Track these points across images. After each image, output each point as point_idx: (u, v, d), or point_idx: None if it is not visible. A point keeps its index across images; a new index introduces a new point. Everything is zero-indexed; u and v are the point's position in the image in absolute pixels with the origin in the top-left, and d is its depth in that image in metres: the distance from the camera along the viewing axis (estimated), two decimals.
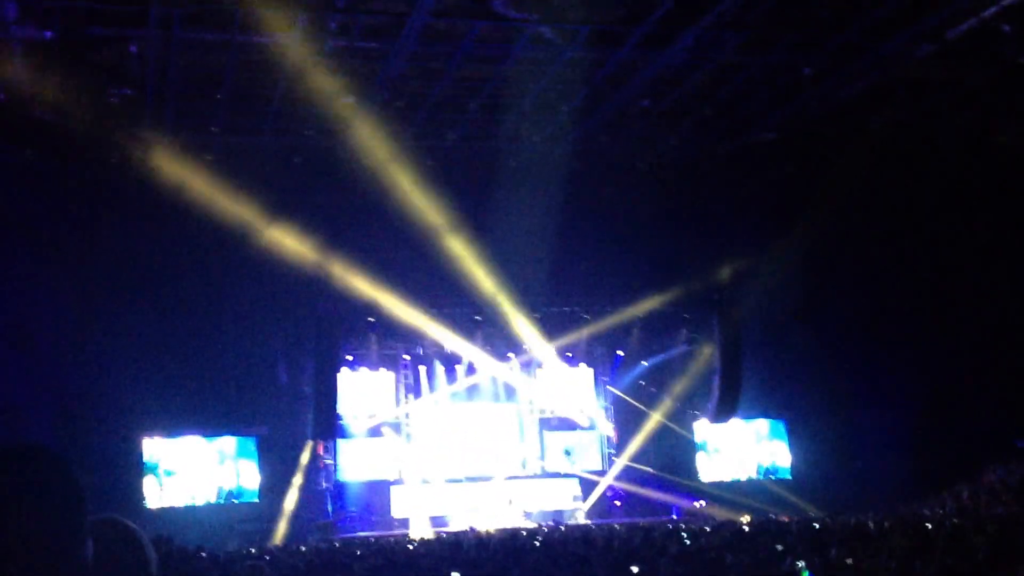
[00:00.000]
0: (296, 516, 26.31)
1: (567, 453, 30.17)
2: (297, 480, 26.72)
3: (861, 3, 18.57)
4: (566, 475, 29.67)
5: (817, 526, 17.12)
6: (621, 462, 29.59)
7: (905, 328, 27.63)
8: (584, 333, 29.20)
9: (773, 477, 30.04)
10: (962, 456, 25.57)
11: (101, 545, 2.07)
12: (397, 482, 28.45)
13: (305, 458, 26.82)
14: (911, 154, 25.21)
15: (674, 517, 27.11)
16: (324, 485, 27.67)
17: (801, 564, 10.35)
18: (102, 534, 2.11)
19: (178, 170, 24.15)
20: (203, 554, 15.59)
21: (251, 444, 26.84)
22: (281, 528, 25.50)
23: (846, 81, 21.56)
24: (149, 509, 25.43)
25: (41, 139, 22.13)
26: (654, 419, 29.58)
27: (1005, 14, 18.30)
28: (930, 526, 15.11)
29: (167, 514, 25.21)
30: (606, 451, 30.49)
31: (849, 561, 10.67)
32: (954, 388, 27.02)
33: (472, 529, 23.84)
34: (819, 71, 21.07)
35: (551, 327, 28.51)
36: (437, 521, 27.01)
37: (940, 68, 21.06)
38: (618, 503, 29.31)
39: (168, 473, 26.15)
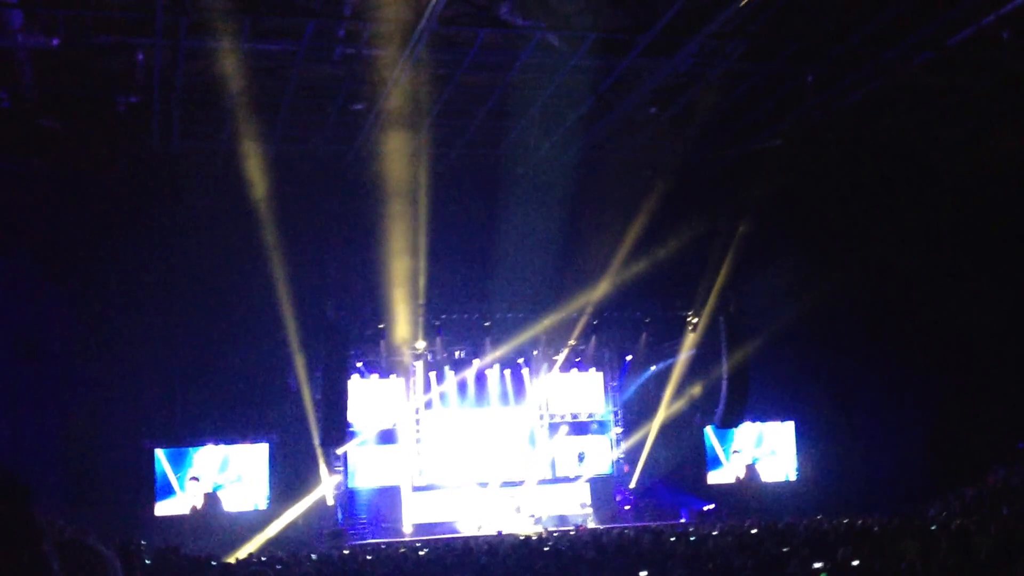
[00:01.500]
0: (306, 524, 26.34)
1: (580, 458, 30.25)
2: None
3: (862, 11, 18.67)
4: (575, 478, 29.73)
5: (824, 528, 17.19)
6: (638, 471, 29.65)
7: (909, 331, 27.70)
8: (592, 338, 29.27)
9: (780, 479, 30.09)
10: (967, 458, 25.63)
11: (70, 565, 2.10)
12: (408, 488, 28.46)
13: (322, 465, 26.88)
14: (913, 160, 25.31)
15: (683, 520, 27.13)
16: (334, 492, 27.71)
17: (819, 565, 10.43)
18: (64, 558, 2.13)
19: (185, 179, 24.27)
20: (213, 563, 15.67)
21: (261, 452, 26.87)
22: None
23: (848, 88, 21.67)
24: (158, 517, 25.47)
25: (47, 148, 22.23)
26: (663, 423, 29.61)
27: (1004, 22, 18.39)
28: (935, 527, 15.19)
29: (176, 523, 25.25)
30: (615, 455, 30.54)
31: (855, 562, 10.75)
32: (959, 391, 27.08)
33: (483, 535, 23.90)
34: (822, 79, 21.18)
35: (559, 332, 28.56)
36: (448, 527, 27.07)
37: (940, 75, 21.15)
38: (627, 507, 29.36)
39: (178, 481, 26.17)
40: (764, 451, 30.28)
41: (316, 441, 25.79)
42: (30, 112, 20.96)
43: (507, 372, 29.83)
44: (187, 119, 22.45)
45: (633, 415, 30.59)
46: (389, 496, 28.11)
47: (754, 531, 17.94)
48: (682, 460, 29.97)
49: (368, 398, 28.40)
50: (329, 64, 19.65)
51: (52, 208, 23.29)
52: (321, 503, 26.89)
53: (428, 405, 29.43)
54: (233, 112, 21.75)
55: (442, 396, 29.47)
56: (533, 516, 27.67)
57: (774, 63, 20.42)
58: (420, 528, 27.12)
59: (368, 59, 19.27)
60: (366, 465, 28.48)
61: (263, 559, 19.08)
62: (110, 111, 20.82)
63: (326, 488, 26.95)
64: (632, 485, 29.82)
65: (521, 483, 29.06)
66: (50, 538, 2.04)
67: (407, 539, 25.26)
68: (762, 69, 20.83)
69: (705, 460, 30.09)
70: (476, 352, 29.03)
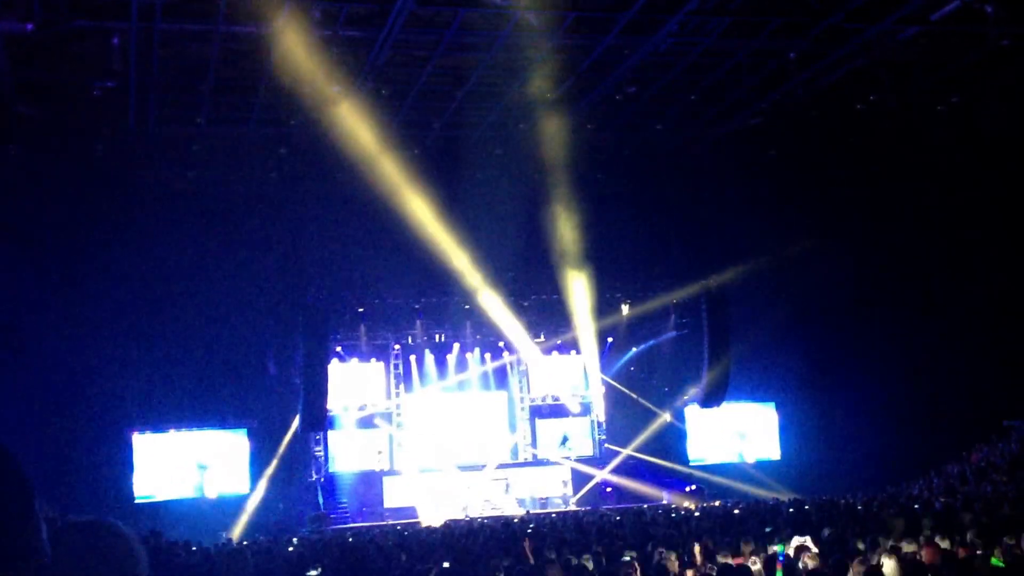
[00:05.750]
0: (288, 509, 26.30)
1: (564, 439, 30.25)
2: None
3: None
4: (555, 462, 29.66)
5: (807, 507, 17.21)
6: (621, 453, 29.62)
7: (893, 310, 27.73)
8: (573, 320, 29.19)
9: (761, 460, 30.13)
10: (950, 436, 25.71)
11: (87, 547, 2.04)
12: (389, 473, 28.39)
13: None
14: (896, 137, 25.27)
15: (664, 501, 27.13)
16: (315, 477, 27.63)
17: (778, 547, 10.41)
18: (88, 536, 2.07)
19: (162, 163, 24.09)
20: (193, 548, 15.60)
21: (241, 437, 26.77)
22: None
23: (831, 66, 21.56)
24: (138, 503, 25.35)
25: (24, 134, 22.00)
26: (644, 405, 29.62)
27: None
28: (918, 506, 15.21)
29: (156, 508, 25.14)
30: (597, 437, 30.54)
31: (838, 540, 10.72)
32: (942, 369, 27.13)
33: (463, 518, 23.88)
34: (804, 56, 21.07)
35: (540, 315, 28.50)
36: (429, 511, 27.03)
37: (924, 50, 21.08)
38: (609, 489, 29.34)
39: (157, 467, 26.06)
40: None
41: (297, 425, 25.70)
42: (7, 98, 20.72)
43: (488, 355, 29.78)
44: (164, 103, 22.24)
45: (615, 398, 30.54)
46: (370, 480, 28.03)
47: (737, 511, 17.95)
48: (663, 442, 29.95)
49: (348, 382, 28.30)
50: (306, 46, 19.43)
51: (29, 194, 23.08)
52: (302, 488, 26.84)
53: (409, 389, 29.37)
54: (210, 96, 21.56)
55: (423, 380, 29.40)
56: (517, 498, 27.66)
57: (756, 40, 20.29)
58: (401, 512, 27.02)
59: (345, 40, 19.08)
60: (347, 450, 28.40)
61: (244, 543, 19.00)
62: (86, 96, 20.61)
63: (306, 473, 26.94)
64: (614, 467, 29.81)
65: (503, 466, 29.05)
66: (34, 502, 1.95)
67: (388, 523, 25.15)
68: (744, 47, 20.69)
69: (686, 441, 30.15)
70: (456, 335, 28.96)
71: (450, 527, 18.99)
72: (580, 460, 29.87)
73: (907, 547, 9.18)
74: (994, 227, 26.38)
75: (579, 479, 29.35)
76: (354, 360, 28.61)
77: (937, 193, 26.25)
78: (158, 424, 26.15)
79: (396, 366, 29.31)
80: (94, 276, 24.42)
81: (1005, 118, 23.85)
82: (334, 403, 26.67)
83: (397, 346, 29.17)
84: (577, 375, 30.80)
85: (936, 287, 27.14)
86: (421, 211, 24.49)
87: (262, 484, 26.42)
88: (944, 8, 18.84)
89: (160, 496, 25.86)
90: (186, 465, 26.29)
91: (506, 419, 30.28)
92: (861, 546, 10.07)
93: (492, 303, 27.15)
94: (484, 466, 28.69)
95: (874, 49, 20.68)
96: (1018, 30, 19.55)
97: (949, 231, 26.61)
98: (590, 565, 9.95)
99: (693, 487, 28.18)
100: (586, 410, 30.75)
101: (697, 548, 10.66)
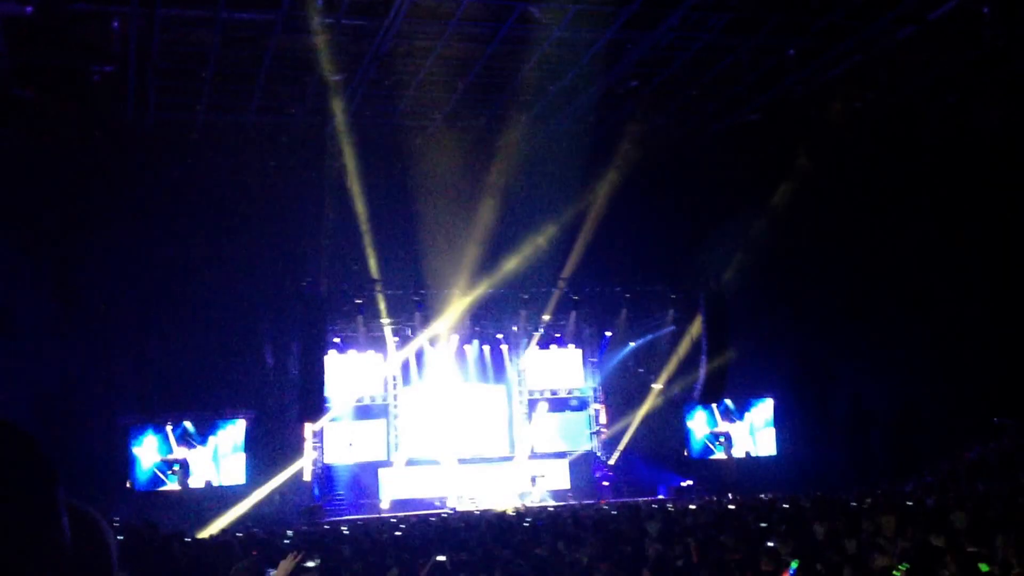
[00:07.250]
0: (283, 501, 26.23)
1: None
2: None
3: None
4: (553, 456, 29.68)
5: (801, 503, 17.21)
6: (618, 448, 29.66)
7: (886, 308, 27.77)
8: (571, 314, 29.18)
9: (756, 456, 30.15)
10: (943, 434, 25.77)
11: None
12: (385, 463, 28.33)
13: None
14: (893, 135, 25.30)
15: (661, 496, 27.15)
16: (312, 469, 27.54)
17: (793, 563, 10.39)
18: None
19: (160, 150, 24.00)
20: (187, 539, 15.54)
21: (238, 428, 26.70)
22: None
23: (829, 63, 21.60)
24: (134, 494, 25.27)
25: (21, 118, 21.91)
26: (641, 399, 29.62)
27: None
28: (911, 503, 15.21)
29: (152, 499, 25.08)
30: (595, 431, 30.53)
31: (831, 538, 10.73)
32: (936, 366, 27.18)
33: (461, 510, 23.89)
34: (803, 53, 21.09)
35: (539, 308, 28.46)
36: (425, 503, 27.01)
37: (921, 50, 21.12)
38: (606, 483, 29.36)
39: (153, 458, 26.00)
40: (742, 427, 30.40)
41: (294, 416, 25.62)
42: (4, 81, 20.64)
43: (486, 348, 29.73)
44: (163, 89, 22.17)
45: (612, 391, 30.54)
46: (367, 472, 27.98)
47: (732, 507, 17.95)
48: (661, 436, 29.95)
49: (346, 373, 28.22)
50: (308, 34, 19.39)
51: (25, 179, 22.99)
52: (298, 479, 26.78)
53: (407, 381, 29.28)
54: (210, 83, 21.49)
55: (421, 372, 29.32)
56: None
57: (756, 37, 20.30)
58: (398, 504, 27.01)
59: (347, 29, 19.03)
60: (343, 441, 28.32)
61: (239, 535, 18.95)
62: (85, 81, 20.53)
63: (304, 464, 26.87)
64: (611, 461, 29.81)
65: (501, 459, 29.06)
66: (59, 490, 1.92)
67: (385, 515, 25.12)
68: (744, 43, 20.71)
69: (684, 436, 30.16)
70: (455, 328, 28.89)
71: (446, 520, 19.00)
72: (576, 455, 29.89)
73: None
74: (989, 226, 26.43)
75: (576, 473, 29.37)
76: (352, 351, 28.52)
77: (933, 192, 26.28)
78: (154, 414, 26.04)
79: (394, 358, 29.19)
80: (90, 263, 24.35)
81: (1002, 117, 23.89)
82: (331, 394, 26.63)
83: (396, 338, 29.08)
84: (575, 369, 30.76)
85: (931, 284, 27.17)
86: (421, 201, 24.47)
87: (258, 476, 26.35)
88: (941, 7, 18.88)
89: (156, 487, 25.78)
90: (182, 456, 26.21)
91: (505, 412, 30.21)
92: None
93: (491, 295, 27.11)
94: (480, 459, 28.69)
95: (872, 48, 20.75)
96: (1014, 30, 19.59)
97: (944, 229, 26.65)
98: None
99: (690, 482, 28.20)
100: (583, 404, 30.73)
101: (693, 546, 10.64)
